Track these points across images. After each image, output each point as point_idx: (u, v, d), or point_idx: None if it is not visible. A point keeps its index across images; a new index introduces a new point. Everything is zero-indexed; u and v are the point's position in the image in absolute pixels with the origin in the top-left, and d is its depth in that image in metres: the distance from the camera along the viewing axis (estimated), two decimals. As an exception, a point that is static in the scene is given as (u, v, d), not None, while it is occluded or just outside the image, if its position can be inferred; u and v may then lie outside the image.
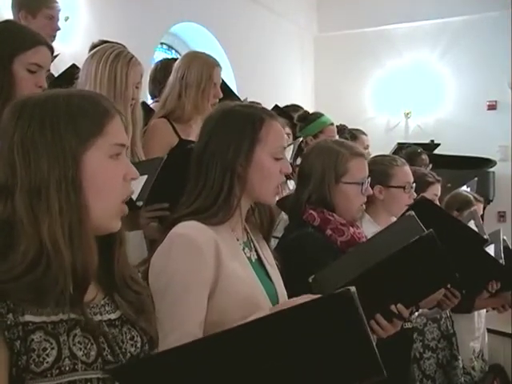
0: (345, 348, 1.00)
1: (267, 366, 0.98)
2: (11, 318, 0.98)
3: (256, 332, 1.00)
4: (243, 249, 1.58)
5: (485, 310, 3.24)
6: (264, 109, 1.65)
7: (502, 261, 2.67)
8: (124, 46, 2.66)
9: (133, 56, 2.39)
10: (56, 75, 2.76)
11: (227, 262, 1.47)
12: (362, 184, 2.04)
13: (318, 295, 1.38)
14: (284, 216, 2.43)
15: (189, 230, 1.47)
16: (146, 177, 2.00)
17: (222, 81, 2.87)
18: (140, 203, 1.97)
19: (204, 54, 2.79)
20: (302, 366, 1.00)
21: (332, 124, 3.69)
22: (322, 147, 2.11)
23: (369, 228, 2.26)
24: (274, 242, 2.30)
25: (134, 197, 1.95)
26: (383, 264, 1.63)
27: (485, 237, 2.45)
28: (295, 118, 3.57)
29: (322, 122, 3.67)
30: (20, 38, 1.89)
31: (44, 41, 1.95)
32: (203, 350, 0.99)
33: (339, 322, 1.00)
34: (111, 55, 2.32)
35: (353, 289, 0.99)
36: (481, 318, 3.24)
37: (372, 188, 2.19)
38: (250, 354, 0.98)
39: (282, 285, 1.64)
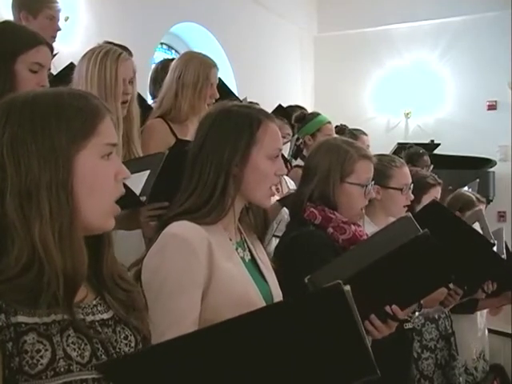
0: (336, 345, 0.98)
1: (257, 361, 0.97)
2: (3, 319, 0.96)
3: (245, 327, 0.98)
4: (236, 249, 1.58)
5: (485, 310, 3.24)
6: (261, 110, 1.64)
7: (503, 256, 2.69)
8: (126, 48, 2.66)
9: (122, 52, 2.36)
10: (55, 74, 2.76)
11: (220, 261, 1.47)
12: (366, 186, 2.04)
13: None
14: (285, 215, 2.43)
15: (181, 229, 1.47)
16: (148, 172, 1.99)
17: (221, 81, 2.86)
18: (143, 198, 1.97)
19: (201, 54, 2.79)
20: (292, 364, 0.98)
21: (329, 122, 3.69)
22: (331, 145, 2.09)
23: (367, 228, 2.25)
24: (275, 241, 2.30)
25: (138, 192, 1.95)
26: (377, 264, 1.63)
27: (491, 241, 2.46)
28: (292, 119, 3.57)
29: (319, 120, 3.67)
30: (21, 38, 1.89)
31: (44, 40, 1.96)
32: (194, 344, 0.97)
33: (330, 316, 0.97)
34: (100, 53, 2.31)
35: (347, 287, 0.98)
36: (482, 318, 3.24)
37: (370, 188, 2.18)
38: (241, 349, 0.97)
39: (277, 285, 1.64)
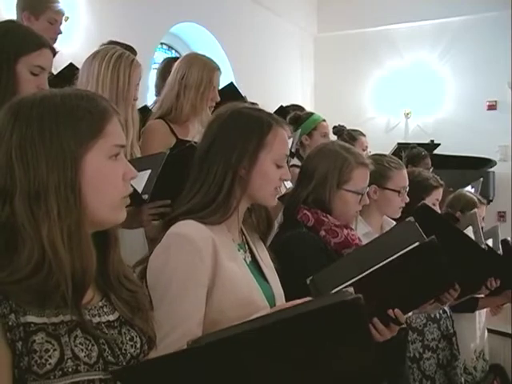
0: (347, 355, 1.00)
1: (269, 370, 0.98)
2: (13, 319, 0.97)
3: (262, 335, 0.99)
4: (238, 250, 1.58)
5: (485, 310, 3.25)
6: (271, 114, 1.64)
7: (499, 252, 2.69)
8: (131, 47, 2.66)
9: (134, 58, 2.41)
10: (55, 74, 2.76)
11: (224, 261, 1.47)
12: (362, 194, 2.04)
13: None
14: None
15: (187, 229, 1.47)
16: (149, 171, 2.01)
17: (231, 83, 2.88)
18: (145, 196, 1.98)
19: (204, 56, 2.79)
20: (304, 372, 1.00)
21: (324, 120, 3.68)
22: (329, 150, 2.09)
23: (360, 228, 2.25)
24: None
25: (140, 190, 1.96)
26: (383, 268, 1.63)
27: (482, 246, 2.46)
28: (287, 120, 3.57)
29: (314, 119, 3.66)
30: (25, 40, 1.89)
31: (47, 43, 1.96)
32: (208, 353, 0.98)
33: (345, 327, 1.00)
34: (113, 56, 2.34)
35: (351, 290, 0.99)
36: (481, 317, 3.25)
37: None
38: (255, 358, 0.98)
39: (280, 286, 1.64)
